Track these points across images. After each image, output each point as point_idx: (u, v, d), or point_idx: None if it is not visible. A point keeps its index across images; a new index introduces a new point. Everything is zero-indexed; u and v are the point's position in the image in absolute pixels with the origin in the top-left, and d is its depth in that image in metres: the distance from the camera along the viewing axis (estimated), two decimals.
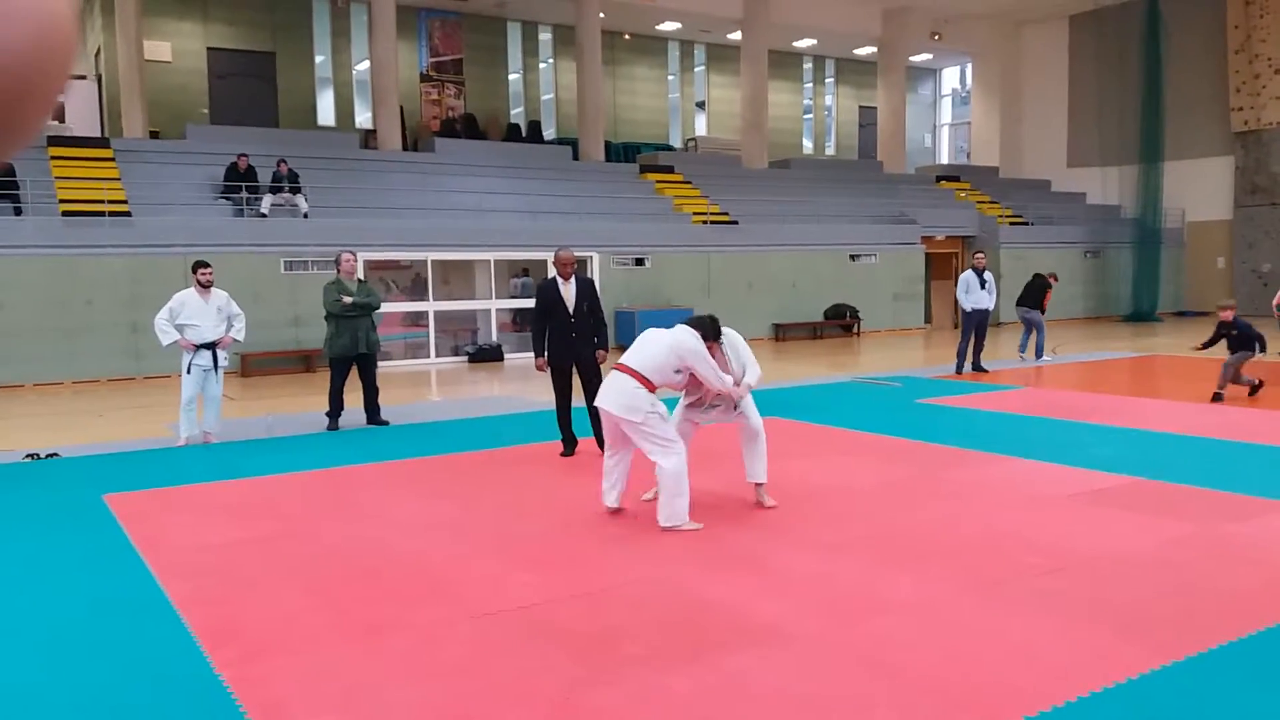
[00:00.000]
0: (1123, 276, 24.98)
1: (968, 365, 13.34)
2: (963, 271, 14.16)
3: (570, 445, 8.01)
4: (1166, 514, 5.78)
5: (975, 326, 13.23)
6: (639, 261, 18.89)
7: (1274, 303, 14.24)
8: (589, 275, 18.19)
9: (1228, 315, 10.58)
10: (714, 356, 5.89)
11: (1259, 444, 7.91)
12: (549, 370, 7.91)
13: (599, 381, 7.03)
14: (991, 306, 13.35)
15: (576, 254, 18.86)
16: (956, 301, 13.66)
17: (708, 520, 5.76)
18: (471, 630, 4.10)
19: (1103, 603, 4.29)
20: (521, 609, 4.36)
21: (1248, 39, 24.16)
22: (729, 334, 6.09)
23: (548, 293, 7.89)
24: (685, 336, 5.77)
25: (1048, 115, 29.01)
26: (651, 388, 5.66)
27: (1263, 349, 10.50)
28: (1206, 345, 10.94)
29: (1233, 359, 10.41)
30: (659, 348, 5.78)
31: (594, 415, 7.30)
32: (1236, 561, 4.84)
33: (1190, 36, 24.94)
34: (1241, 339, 10.46)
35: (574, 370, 7.85)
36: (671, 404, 6.14)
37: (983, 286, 13.22)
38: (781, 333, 20.28)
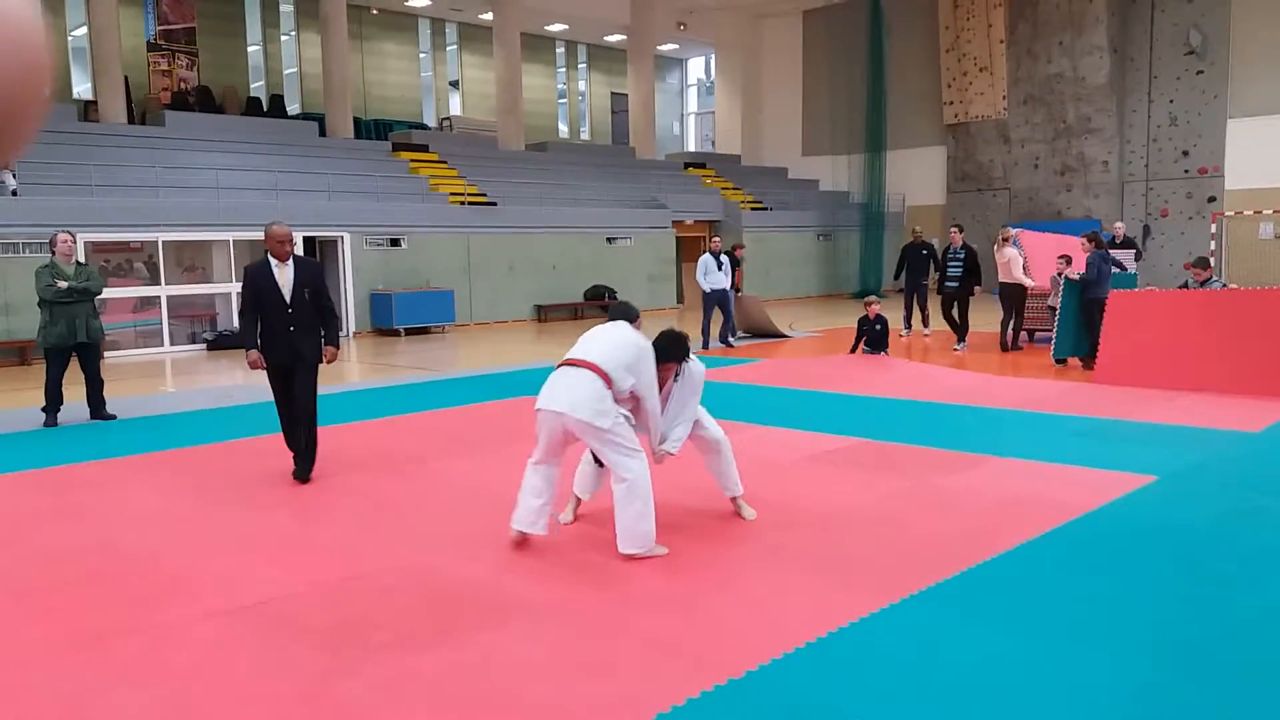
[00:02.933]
0: (851, 257, 27.10)
1: (714, 342, 14.08)
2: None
3: (301, 472, 6.53)
4: (886, 471, 6.33)
5: (717, 304, 14.02)
6: (394, 242, 18.43)
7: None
8: (339, 256, 17.59)
9: (874, 311, 12.02)
10: (662, 383, 5.08)
11: (969, 405, 8.79)
12: (266, 370, 6.55)
13: (312, 387, 6.49)
14: (728, 286, 14.17)
15: (324, 234, 18.08)
16: (739, 269, 14.56)
17: (454, 500, 5.74)
18: (208, 630, 3.92)
19: (826, 554, 4.66)
20: (261, 604, 4.19)
21: (956, 39, 26.54)
22: (692, 371, 5.19)
23: (258, 278, 6.51)
24: (641, 338, 4.96)
25: (784, 106, 30.70)
26: (611, 389, 4.74)
27: (885, 348, 12.16)
28: (855, 348, 12.39)
29: (869, 352, 12.08)
30: (625, 347, 4.85)
31: (296, 420, 6.48)
32: (946, 511, 5.38)
33: (909, 35, 27.13)
34: (880, 336, 12.06)
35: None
36: None
37: (719, 268, 13.98)
38: (543, 313, 20.42)
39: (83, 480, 6.68)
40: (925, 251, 14.70)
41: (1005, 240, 13.08)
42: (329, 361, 6.73)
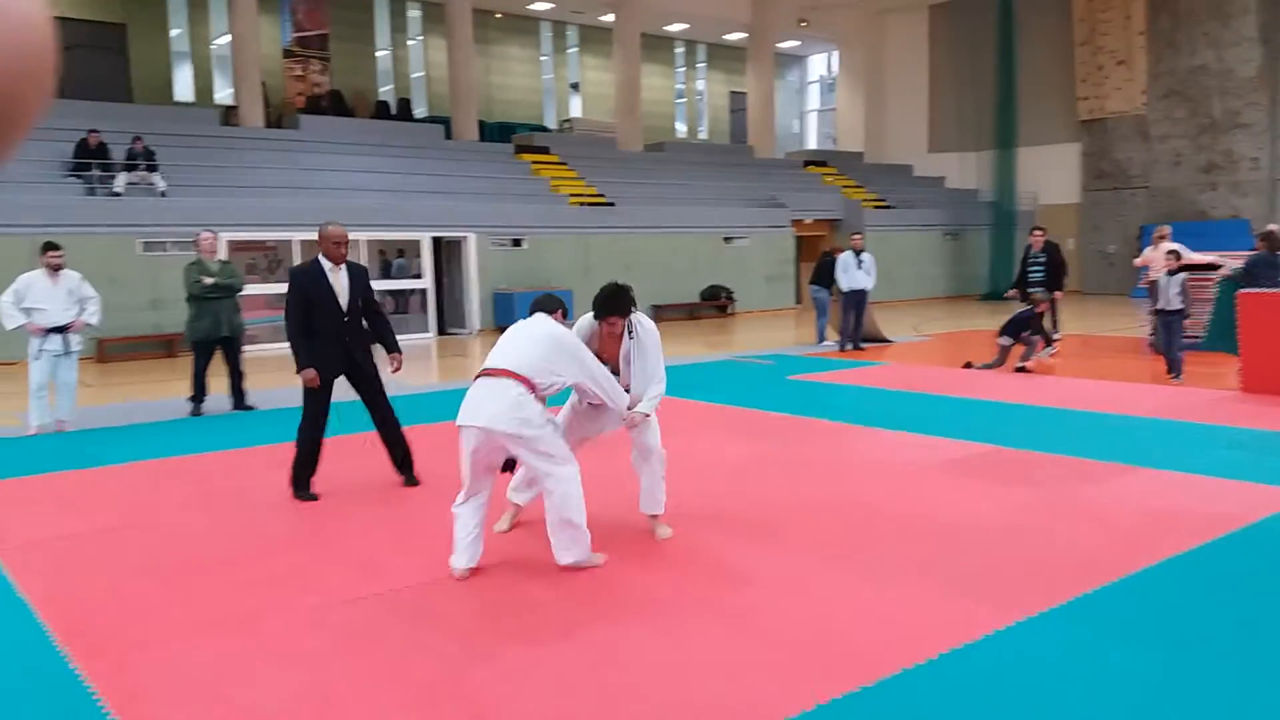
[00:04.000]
0: (980, 257, 26.20)
1: (849, 343, 13.71)
2: (839, 253, 14.35)
3: (306, 488, 6.03)
4: (1019, 480, 6.10)
5: (854, 305, 13.62)
6: (516, 243, 18.76)
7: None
8: (464, 257, 18.00)
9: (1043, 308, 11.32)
10: (606, 341, 4.89)
11: (1107, 412, 8.42)
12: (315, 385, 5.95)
13: (384, 394, 6.16)
14: (869, 286, 13.72)
15: (450, 234, 18.54)
16: (835, 282, 13.99)
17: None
18: (344, 615, 4.04)
19: (956, 565, 4.52)
20: (393, 591, 4.31)
21: (1092, 31, 25.49)
22: (645, 326, 4.93)
23: (310, 283, 5.86)
24: (557, 326, 4.70)
25: (909, 102, 30.01)
26: (535, 392, 4.44)
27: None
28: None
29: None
30: (540, 342, 4.57)
31: (390, 439, 6.20)
32: (1083, 523, 5.15)
33: (1040, 28, 26.18)
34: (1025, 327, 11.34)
35: (348, 384, 6.14)
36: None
37: (859, 267, 13.58)
38: (659, 313, 20.47)
39: (224, 467, 6.99)
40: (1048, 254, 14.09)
41: (1162, 238, 12.45)
42: (397, 370, 6.32)
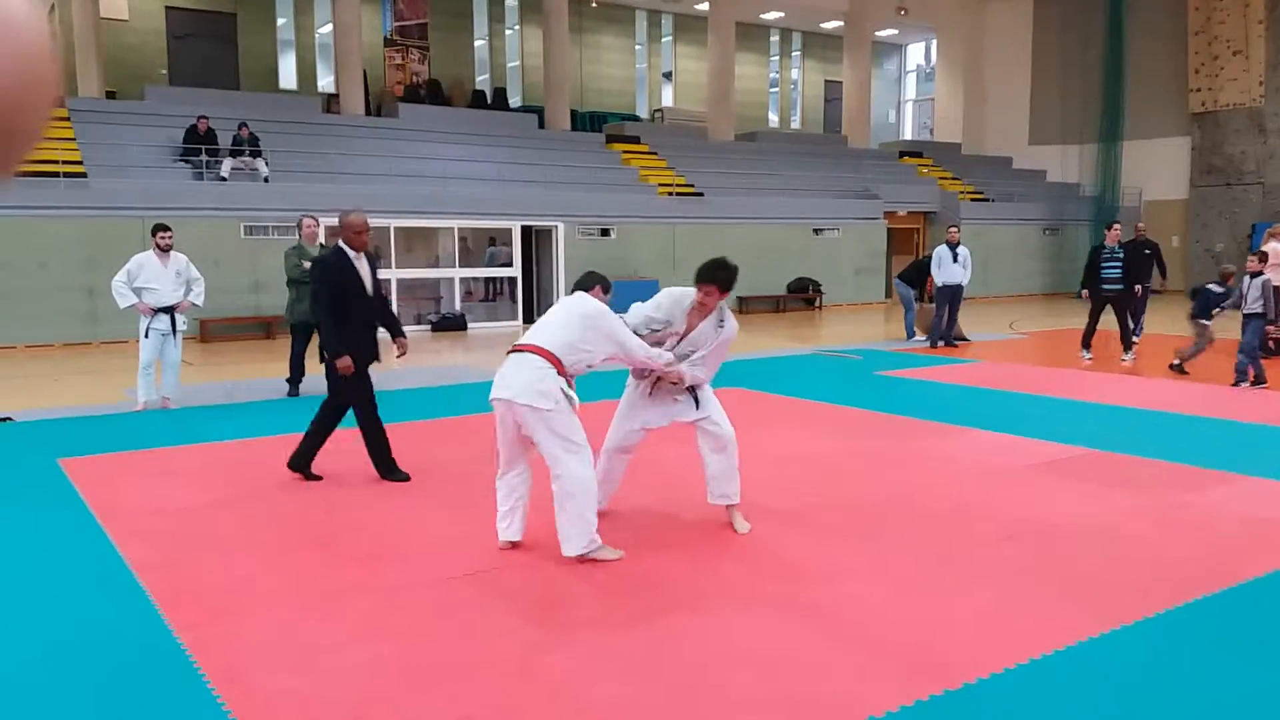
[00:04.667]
0: (1080, 254, 25.20)
1: (939, 339, 13.38)
2: (936, 247, 14.07)
3: (308, 462, 6.13)
4: (1119, 484, 5.90)
5: (949, 301, 13.30)
6: (604, 232, 18.84)
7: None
8: (553, 245, 18.16)
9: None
10: (694, 311, 4.84)
11: (1210, 417, 8.09)
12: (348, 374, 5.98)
13: (370, 390, 6.13)
14: (965, 281, 13.35)
15: (540, 224, 18.70)
16: (930, 276, 13.68)
17: (658, 486, 5.79)
18: (430, 594, 4.12)
19: (1055, 570, 4.39)
20: (476, 573, 4.38)
21: (1208, 20, 24.43)
22: (731, 324, 4.89)
23: (341, 270, 5.96)
24: (589, 302, 4.72)
25: (1010, 93, 29.18)
26: (562, 370, 4.49)
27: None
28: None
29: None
30: (571, 319, 4.63)
31: (371, 434, 6.13)
32: (1186, 530, 4.96)
33: (1152, 16, 25.18)
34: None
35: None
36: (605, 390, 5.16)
37: (955, 261, 13.24)
38: (745, 305, 20.34)
39: (321, 448, 7.17)
40: (1149, 251, 13.57)
41: (1274, 236, 11.87)
42: (401, 355, 6.39)
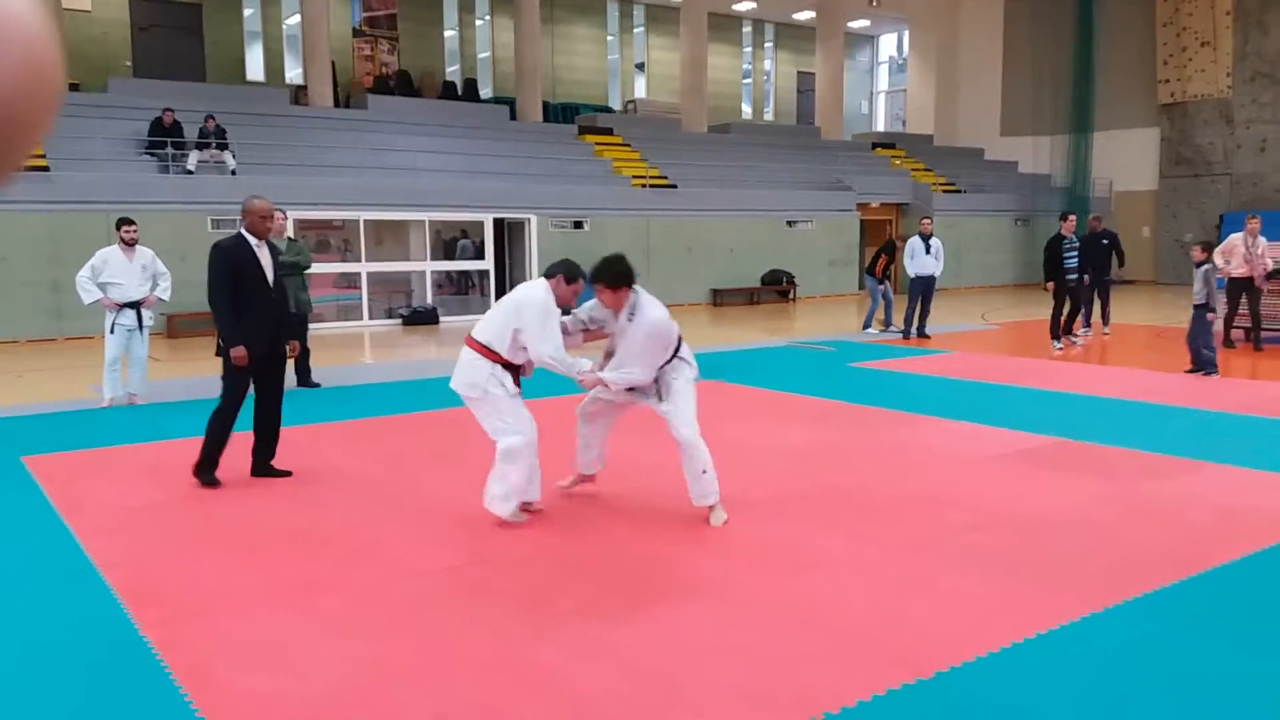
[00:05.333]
0: None
1: (913, 330, 13.45)
2: (908, 238, 14.09)
3: (211, 472, 5.83)
4: (1088, 473, 5.94)
5: (920, 292, 13.35)
6: (577, 225, 18.77)
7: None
8: (525, 238, 18.06)
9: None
10: (595, 310, 5.01)
11: (1178, 406, 8.17)
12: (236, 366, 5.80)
13: (282, 384, 6.04)
14: (937, 273, 13.41)
15: (512, 216, 18.60)
16: (902, 267, 13.72)
17: (643, 481, 5.78)
18: (405, 590, 4.08)
19: (1025, 558, 4.41)
20: (454, 568, 4.34)
21: (1176, 12, 24.66)
22: (645, 317, 4.83)
23: (241, 258, 5.73)
24: (532, 291, 4.87)
25: (982, 84, 29.35)
26: (493, 358, 4.79)
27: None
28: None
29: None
30: (502, 308, 4.89)
31: (267, 430, 6.01)
32: (1155, 518, 5.00)
33: (1122, 8, 25.40)
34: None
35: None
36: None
37: (928, 252, 13.29)
38: (719, 298, 20.36)
39: (290, 444, 7.07)
40: (1105, 241, 13.70)
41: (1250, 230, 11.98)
42: (293, 355, 6.23)
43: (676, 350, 4.98)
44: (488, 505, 4.91)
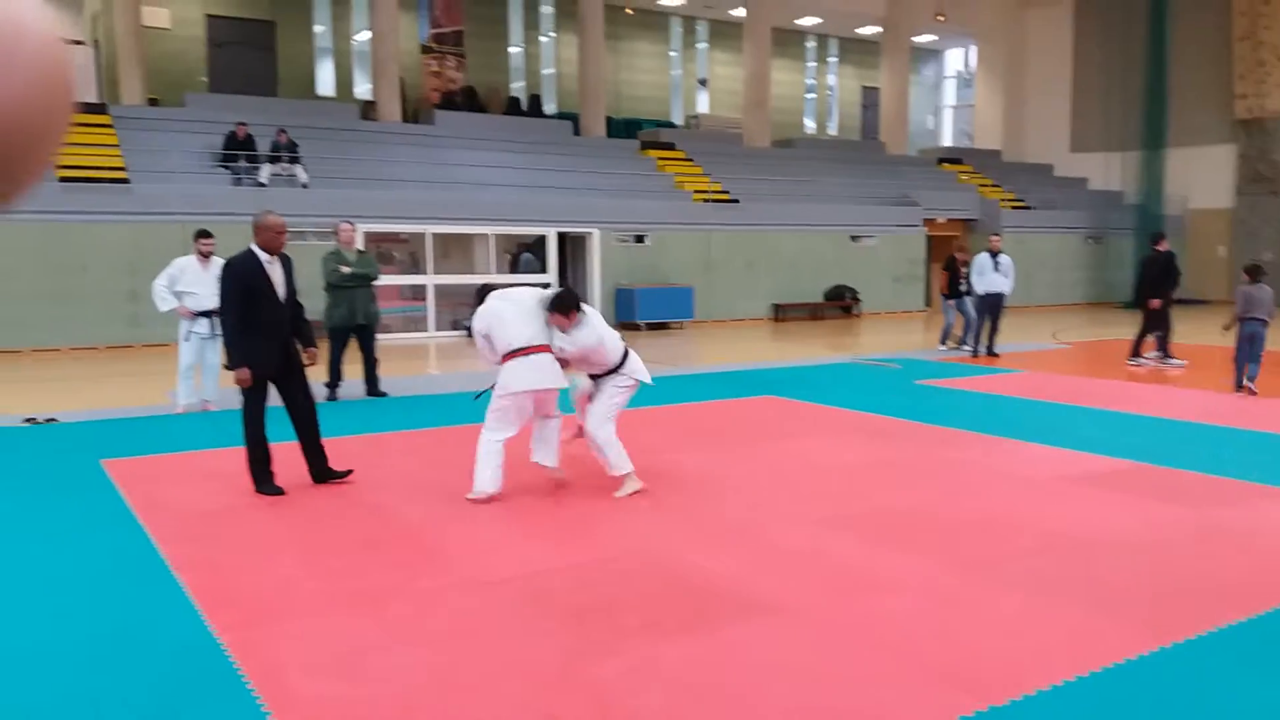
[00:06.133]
0: (1123, 263, 24.90)
1: (981, 348, 13.22)
2: (963, 262, 13.92)
3: (271, 482, 5.87)
4: (1159, 498, 5.79)
5: (989, 310, 13.15)
6: (639, 239, 18.85)
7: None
8: (587, 252, 18.17)
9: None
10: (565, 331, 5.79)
11: (1254, 430, 7.93)
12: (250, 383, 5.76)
13: (310, 396, 6.03)
14: (1006, 290, 13.18)
15: (575, 230, 18.74)
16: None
17: (695, 493, 5.78)
18: (470, 599, 4.12)
19: (1093, 584, 4.31)
20: (517, 579, 4.37)
21: (1253, 26, 24.04)
22: (591, 321, 5.77)
23: (252, 275, 5.72)
24: (482, 309, 5.79)
25: (1051, 99, 28.88)
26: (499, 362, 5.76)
27: None
28: None
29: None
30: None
31: (310, 445, 6.03)
32: (1228, 547, 4.86)
33: (1196, 22, 24.82)
34: None
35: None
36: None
37: (997, 269, 13.07)
38: (781, 313, 20.27)
39: (358, 451, 7.21)
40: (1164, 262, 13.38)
41: None
42: (311, 363, 6.16)
43: (619, 365, 5.87)
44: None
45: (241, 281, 5.71)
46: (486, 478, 5.62)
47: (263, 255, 5.80)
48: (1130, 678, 3.36)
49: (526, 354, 5.58)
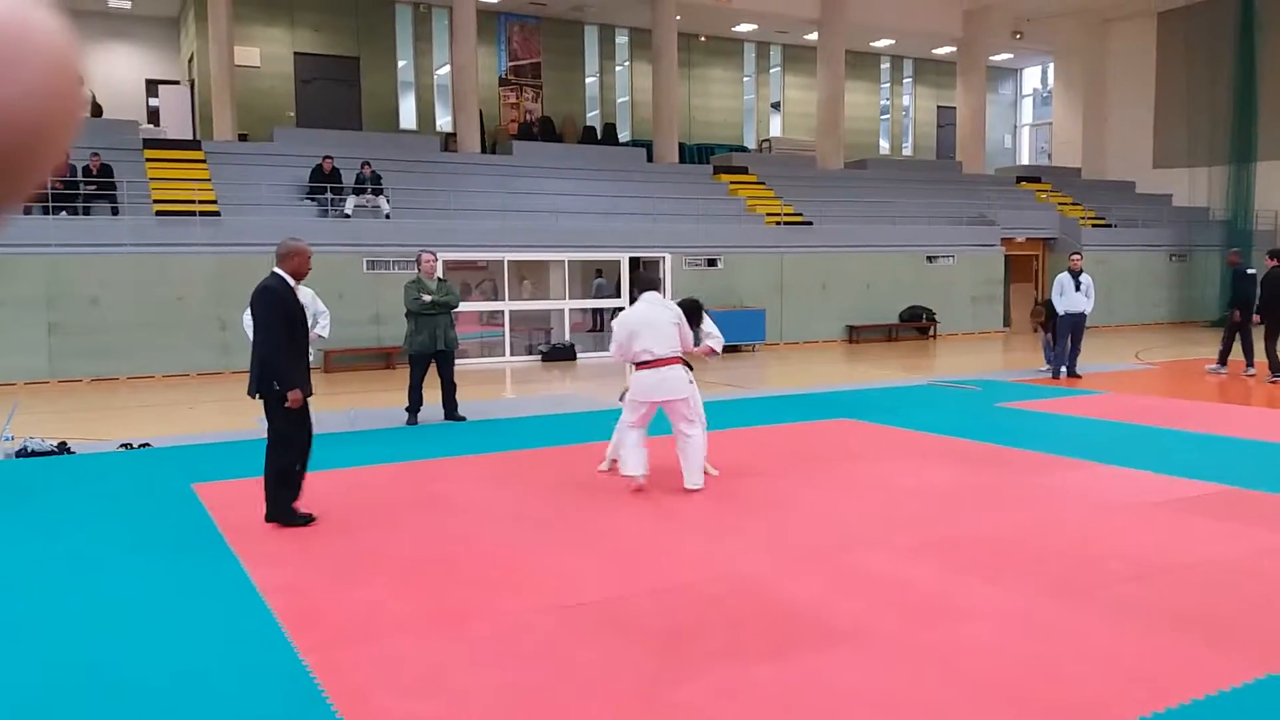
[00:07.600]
0: (1210, 280, 24.11)
1: (1063, 370, 12.93)
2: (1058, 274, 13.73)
3: (295, 512, 5.92)
4: (1256, 523, 5.60)
5: (1070, 330, 12.90)
6: (711, 262, 18.88)
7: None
8: (659, 275, 18.25)
9: None
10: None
11: None
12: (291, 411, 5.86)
13: (310, 423, 6.11)
14: (1088, 310, 12.91)
15: (647, 255, 18.82)
16: (1050, 304, 13.28)
17: (777, 518, 5.75)
18: (550, 621, 4.17)
19: (1188, 613, 4.19)
20: (599, 601, 4.41)
21: None
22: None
23: (288, 301, 5.81)
24: (659, 300, 6.89)
25: (1133, 115, 28.20)
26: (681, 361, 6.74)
27: None
28: None
29: None
30: (655, 326, 6.66)
31: (299, 475, 6.06)
32: None
33: None
34: None
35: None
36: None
37: (1078, 289, 12.82)
38: (855, 334, 20.08)
39: (439, 474, 7.36)
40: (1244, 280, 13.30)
41: None
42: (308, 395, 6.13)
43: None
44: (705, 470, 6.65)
45: (282, 306, 5.81)
46: (635, 463, 6.54)
47: (290, 281, 5.91)
48: (1229, 709, 3.26)
49: (654, 366, 6.51)
